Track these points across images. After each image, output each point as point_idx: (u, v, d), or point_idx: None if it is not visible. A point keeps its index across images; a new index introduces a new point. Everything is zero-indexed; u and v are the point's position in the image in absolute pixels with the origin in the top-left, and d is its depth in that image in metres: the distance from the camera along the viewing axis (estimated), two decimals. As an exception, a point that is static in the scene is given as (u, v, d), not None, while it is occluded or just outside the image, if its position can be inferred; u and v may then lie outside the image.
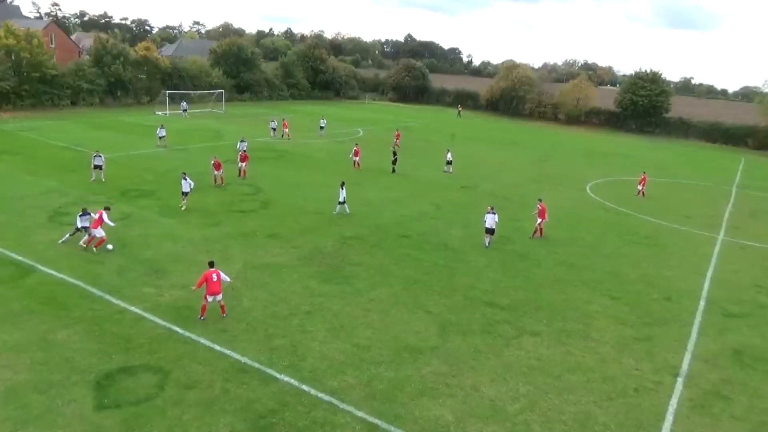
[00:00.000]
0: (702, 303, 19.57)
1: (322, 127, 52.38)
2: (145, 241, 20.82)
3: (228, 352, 13.89)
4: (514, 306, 17.90)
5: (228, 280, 15.92)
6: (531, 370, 14.24)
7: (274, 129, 48.80)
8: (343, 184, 26.09)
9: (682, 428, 12.53)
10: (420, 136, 55.52)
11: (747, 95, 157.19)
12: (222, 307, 15.66)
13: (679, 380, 14.41)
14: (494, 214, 23.33)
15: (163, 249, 20.24)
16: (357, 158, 36.73)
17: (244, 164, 32.02)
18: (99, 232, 19.70)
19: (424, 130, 61.26)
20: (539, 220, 25.02)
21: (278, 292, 17.44)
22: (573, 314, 17.69)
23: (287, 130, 47.73)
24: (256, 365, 13.41)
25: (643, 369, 14.80)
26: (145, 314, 15.42)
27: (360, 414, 11.98)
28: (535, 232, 25.23)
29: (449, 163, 38.19)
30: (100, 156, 29.45)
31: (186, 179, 25.10)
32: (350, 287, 18.26)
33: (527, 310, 17.66)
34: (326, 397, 12.42)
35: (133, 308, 15.70)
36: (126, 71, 63.41)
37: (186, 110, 58.21)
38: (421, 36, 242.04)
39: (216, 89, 69.30)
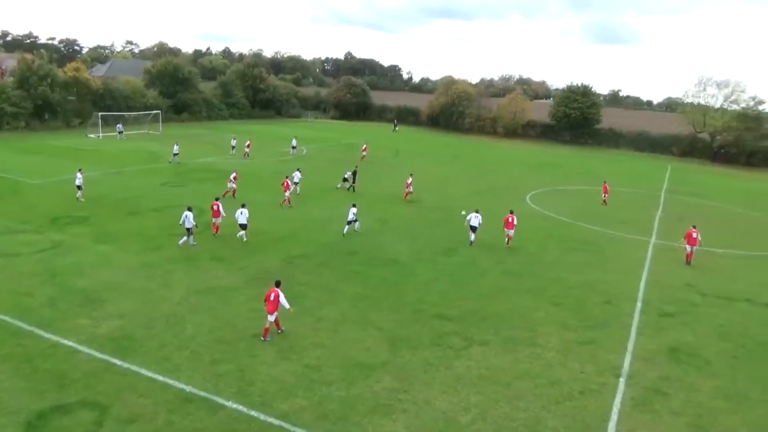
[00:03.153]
0: (639, 304, 20.44)
1: (294, 147, 52.94)
2: (79, 270, 19.78)
3: (171, 381, 13.31)
4: (462, 317, 18.10)
5: (286, 306, 15.53)
6: (481, 380, 14.39)
7: (234, 147, 49.78)
8: (354, 204, 27.04)
9: (626, 426, 12.95)
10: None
11: (670, 106, 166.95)
12: (275, 325, 15.80)
13: (621, 380, 14.93)
14: (478, 214, 26.55)
15: (98, 277, 19.28)
16: (409, 189, 35.45)
17: (288, 192, 31.54)
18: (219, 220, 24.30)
19: (368, 146, 61.50)
20: (508, 231, 26.55)
21: (224, 316, 16.93)
22: (519, 322, 18.07)
23: (248, 150, 48.42)
24: (202, 393, 12.91)
25: (588, 371, 15.26)
26: (80, 347, 14.57)
27: (312, 436, 11.72)
28: (508, 242, 26.77)
29: (345, 180, 37.52)
30: (80, 176, 29.78)
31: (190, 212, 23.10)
32: (298, 307, 17.89)
33: (475, 321, 17.90)
34: (277, 422, 12.10)
35: (66, 341, 14.81)
36: (54, 93, 60.51)
37: (122, 132, 56.85)
38: (360, 54, 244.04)
39: (152, 110, 67.32)
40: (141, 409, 12.16)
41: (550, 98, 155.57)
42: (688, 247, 26.08)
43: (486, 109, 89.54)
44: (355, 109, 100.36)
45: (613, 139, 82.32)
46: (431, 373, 14.58)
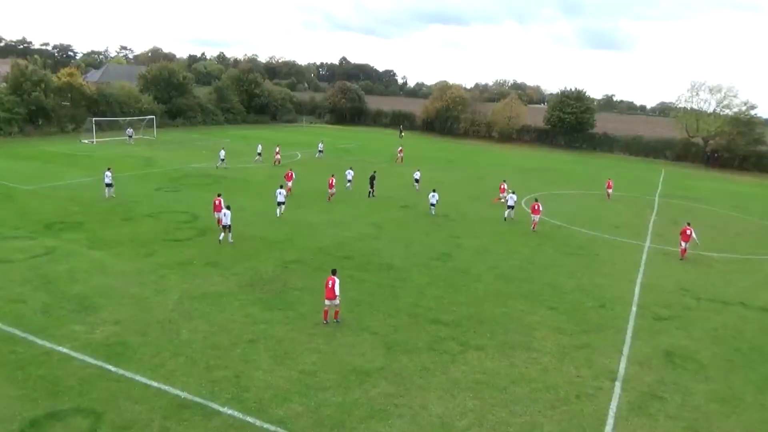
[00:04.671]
0: (634, 308, 20.49)
1: (320, 151, 54.83)
2: (73, 276, 19.68)
3: (166, 387, 13.24)
4: (458, 322, 18.10)
5: (337, 292, 16.87)
6: (477, 385, 14.38)
7: (260, 153, 49.71)
8: (435, 189, 33.69)
9: (623, 431, 12.96)
10: (358, 157, 55.81)
11: (663, 110, 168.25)
12: (336, 312, 17.27)
13: (617, 384, 14.95)
14: (515, 194, 33.20)
15: (92, 283, 19.18)
16: (503, 194, 37.57)
17: (332, 190, 35.11)
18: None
19: (362, 151, 61.64)
20: (534, 217, 30.61)
21: (219, 322, 16.87)
22: (515, 326, 18.07)
23: (278, 156, 49.03)
24: (197, 399, 12.85)
25: (584, 375, 15.27)
26: (74, 354, 14.49)
27: (308, 442, 11.67)
28: (533, 226, 30.67)
29: (417, 181, 40.97)
30: (109, 174, 31.71)
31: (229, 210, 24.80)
32: (293, 312, 17.92)
33: (471, 325, 17.90)
34: (272, 428, 12.05)
35: (60, 348, 14.73)
36: (48, 98, 60.34)
37: (132, 136, 58.37)
38: (355, 59, 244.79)
39: (146, 115, 67.21)
40: (136, 416, 12.09)
41: (544, 103, 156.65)
42: (683, 243, 27.38)
43: (481, 114, 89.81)
44: (350, 114, 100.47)
45: (607, 144, 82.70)
46: (427, 378, 14.56)
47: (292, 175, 35.98)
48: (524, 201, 39.21)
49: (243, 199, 33.11)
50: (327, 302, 17.02)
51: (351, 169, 39.67)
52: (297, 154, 55.73)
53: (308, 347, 15.71)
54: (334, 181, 35.17)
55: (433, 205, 33.20)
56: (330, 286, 16.83)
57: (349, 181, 38.52)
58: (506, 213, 32.72)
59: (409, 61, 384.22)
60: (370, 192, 36.94)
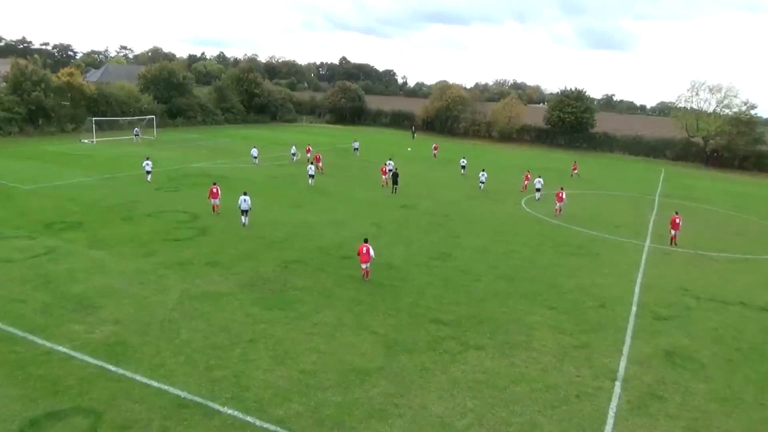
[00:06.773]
0: (634, 308, 20.48)
1: (356, 149, 58.54)
2: (73, 276, 19.67)
3: (166, 387, 13.24)
4: (457, 321, 18.09)
5: (373, 255, 20.65)
6: (477, 384, 14.38)
7: (294, 154, 51.88)
8: (483, 169, 42.08)
9: (623, 430, 12.95)
10: (360, 157, 55.78)
11: (663, 110, 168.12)
12: (367, 272, 20.93)
13: (617, 384, 14.95)
14: (541, 178, 39.42)
15: (92, 283, 19.18)
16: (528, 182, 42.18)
17: (385, 177, 40.46)
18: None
19: (362, 150, 61.53)
20: (558, 204, 34.57)
21: (218, 322, 16.87)
22: (515, 326, 18.07)
23: (309, 155, 50.37)
24: (197, 399, 12.85)
25: (584, 375, 15.26)
26: (74, 353, 14.49)
27: (308, 442, 11.67)
28: (556, 212, 34.69)
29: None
30: (150, 162, 37.05)
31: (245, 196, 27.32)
32: (294, 312, 17.93)
33: (471, 325, 17.89)
34: (272, 427, 12.05)
35: (60, 348, 14.72)
36: (48, 98, 60.31)
37: (138, 135, 59.90)
38: (355, 58, 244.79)
39: (146, 115, 67.18)
40: (135, 416, 12.09)
41: (544, 103, 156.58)
42: (672, 231, 29.76)
43: (480, 114, 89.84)
44: (350, 114, 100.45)
45: (607, 143, 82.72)
46: (427, 377, 14.56)
47: (320, 157, 44.41)
48: (524, 201, 39.26)
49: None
50: (363, 265, 20.67)
51: (391, 159, 44.88)
52: (298, 154, 55.61)
53: (308, 347, 15.71)
54: (386, 169, 40.87)
55: (482, 182, 40.73)
56: (365, 251, 20.25)
57: (390, 170, 41.82)
58: (537, 195, 38.99)
59: (409, 61, 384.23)
60: (394, 188, 38.42)
